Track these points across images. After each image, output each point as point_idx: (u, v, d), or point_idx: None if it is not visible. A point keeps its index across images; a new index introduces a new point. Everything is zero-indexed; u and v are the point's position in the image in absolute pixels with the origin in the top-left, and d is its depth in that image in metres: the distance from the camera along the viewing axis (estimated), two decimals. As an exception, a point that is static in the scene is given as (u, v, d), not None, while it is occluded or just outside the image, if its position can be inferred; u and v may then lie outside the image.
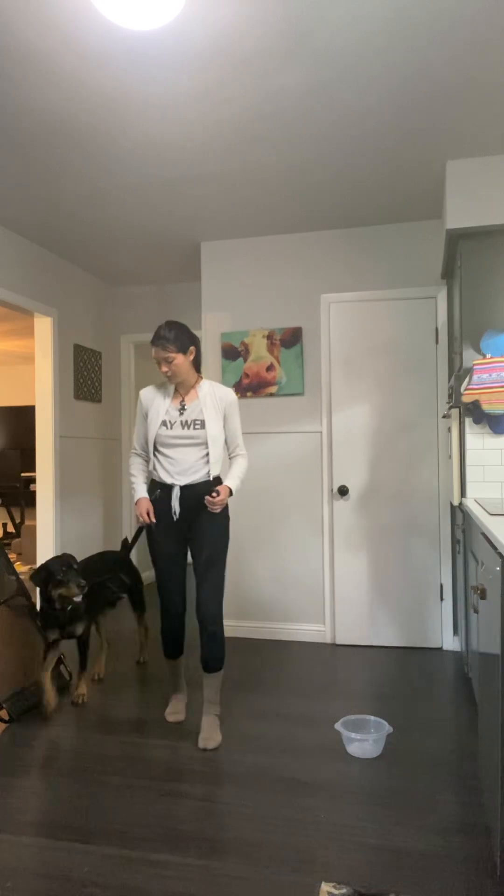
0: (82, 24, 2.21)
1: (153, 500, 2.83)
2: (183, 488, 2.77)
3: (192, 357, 2.78)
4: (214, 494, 2.69)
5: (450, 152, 3.19)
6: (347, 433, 4.16)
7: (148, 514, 2.80)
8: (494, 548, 1.91)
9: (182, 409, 2.80)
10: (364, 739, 2.59)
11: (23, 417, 8.87)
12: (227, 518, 2.89)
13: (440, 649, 4.01)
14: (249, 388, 4.29)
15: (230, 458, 2.92)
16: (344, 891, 1.80)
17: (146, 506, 2.82)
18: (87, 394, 5.10)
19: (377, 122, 2.91)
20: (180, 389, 2.84)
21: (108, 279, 5.39)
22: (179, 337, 2.72)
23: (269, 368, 4.26)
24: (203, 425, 2.77)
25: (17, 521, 8.66)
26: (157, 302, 5.56)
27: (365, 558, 4.12)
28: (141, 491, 2.88)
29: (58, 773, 2.51)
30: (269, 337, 4.27)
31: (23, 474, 8.27)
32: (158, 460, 2.82)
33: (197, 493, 2.77)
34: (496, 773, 1.82)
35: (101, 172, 3.36)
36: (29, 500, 8.31)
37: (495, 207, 3.19)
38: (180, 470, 2.78)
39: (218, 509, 2.73)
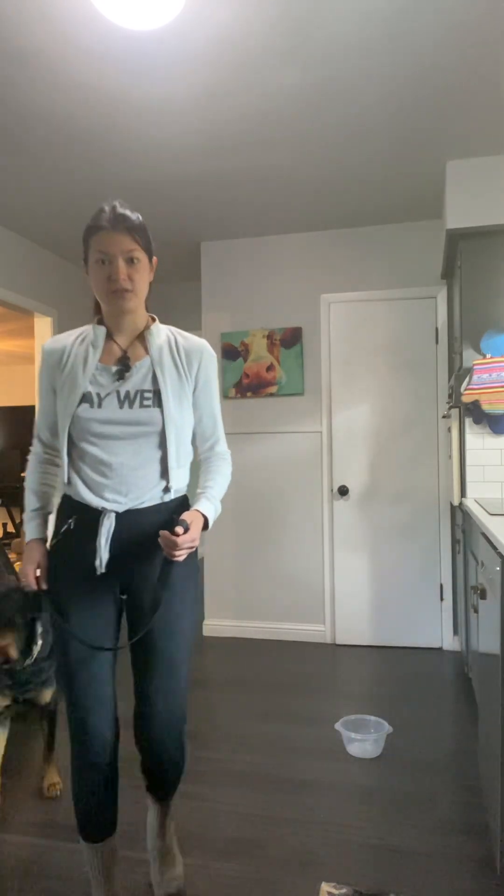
0: (82, 25, 2.21)
1: (59, 540, 1.61)
2: (121, 517, 1.56)
3: (152, 273, 1.65)
4: (180, 530, 1.49)
5: (450, 152, 3.19)
6: (347, 433, 4.15)
7: (37, 577, 1.61)
8: (494, 548, 1.91)
9: (122, 371, 1.58)
10: (364, 739, 2.59)
11: (23, 417, 8.87)
12: (195, 569, 1.68)
13: (440, 649, 4.01)
14: (249, 388, 4.29)
15: (203, 461, 1.73)
16: (344, 891, 1.80)
17: (36, 561, 1.61)
18: (87, 394, 5.10)
19: (377, 123, 2.91)
20: (117, 335, 1.63)
21: (108, 279, 5.38)
22: (145, 228, 1.57)
23: (269, 368, 4.26)
24: (158, 400, 1.57)
25: (18, 521, 8.65)
26: (156, 302, 5.52)
27: (365, 558, 4.12)
28: (33, 528, 1.66)
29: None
30: (269, 337, 4.27)
31: (23, 474, 8.26)
32: (76, 464, 1.60)
33: (144, 527, 1.57)
34: (496, 773, 1.82)
35: (100, 172, 3.36)
36: (29, 500, 8.29)
37: (495, 207, 3.19)
38: (117, 483, 1.55)
39: (182, 556, 1.51)
